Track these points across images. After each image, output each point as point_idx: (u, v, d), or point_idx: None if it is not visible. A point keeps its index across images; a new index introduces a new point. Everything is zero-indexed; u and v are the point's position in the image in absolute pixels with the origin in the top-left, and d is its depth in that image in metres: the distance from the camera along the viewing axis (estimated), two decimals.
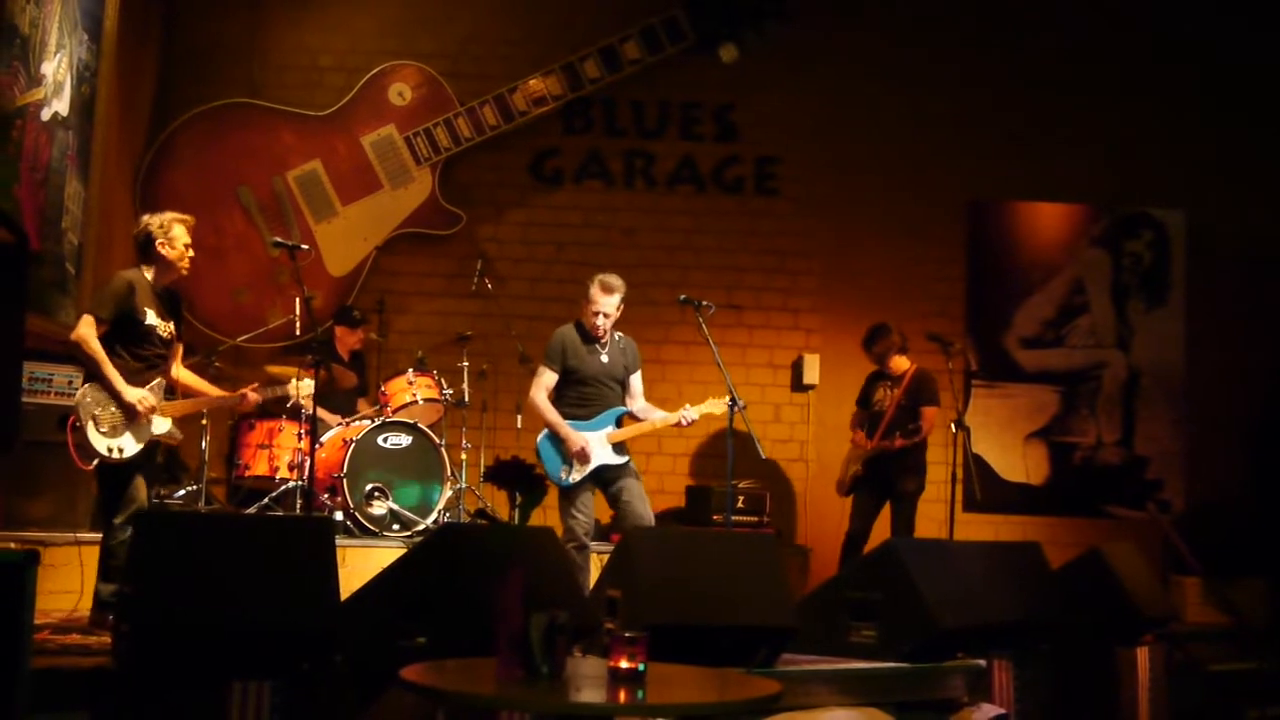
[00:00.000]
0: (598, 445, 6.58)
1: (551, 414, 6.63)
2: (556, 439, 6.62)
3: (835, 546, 8.30)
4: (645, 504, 6.65)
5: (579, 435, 6.56)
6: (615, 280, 6.66)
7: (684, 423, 6.73)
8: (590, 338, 6.68)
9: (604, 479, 6.63)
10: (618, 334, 6.78)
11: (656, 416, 6.77)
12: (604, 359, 6.69)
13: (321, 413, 7.40)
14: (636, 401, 6.82)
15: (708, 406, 6.74)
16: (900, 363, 8.25)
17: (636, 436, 6.78)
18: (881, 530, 8.08)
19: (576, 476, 6.57)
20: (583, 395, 6.66)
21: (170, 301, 5.91)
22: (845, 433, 8.47)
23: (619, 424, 6.69)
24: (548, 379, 6.68)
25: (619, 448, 6.64)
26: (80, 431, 5.53)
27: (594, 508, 6.68)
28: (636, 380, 6.85)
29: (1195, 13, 9.66)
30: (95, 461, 5.58)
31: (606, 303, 6.62)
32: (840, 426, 8.64)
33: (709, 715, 3.66)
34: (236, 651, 4.02)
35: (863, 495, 8.19)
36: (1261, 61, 9.64)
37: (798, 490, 9.34)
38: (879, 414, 8.20)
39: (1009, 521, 9.40)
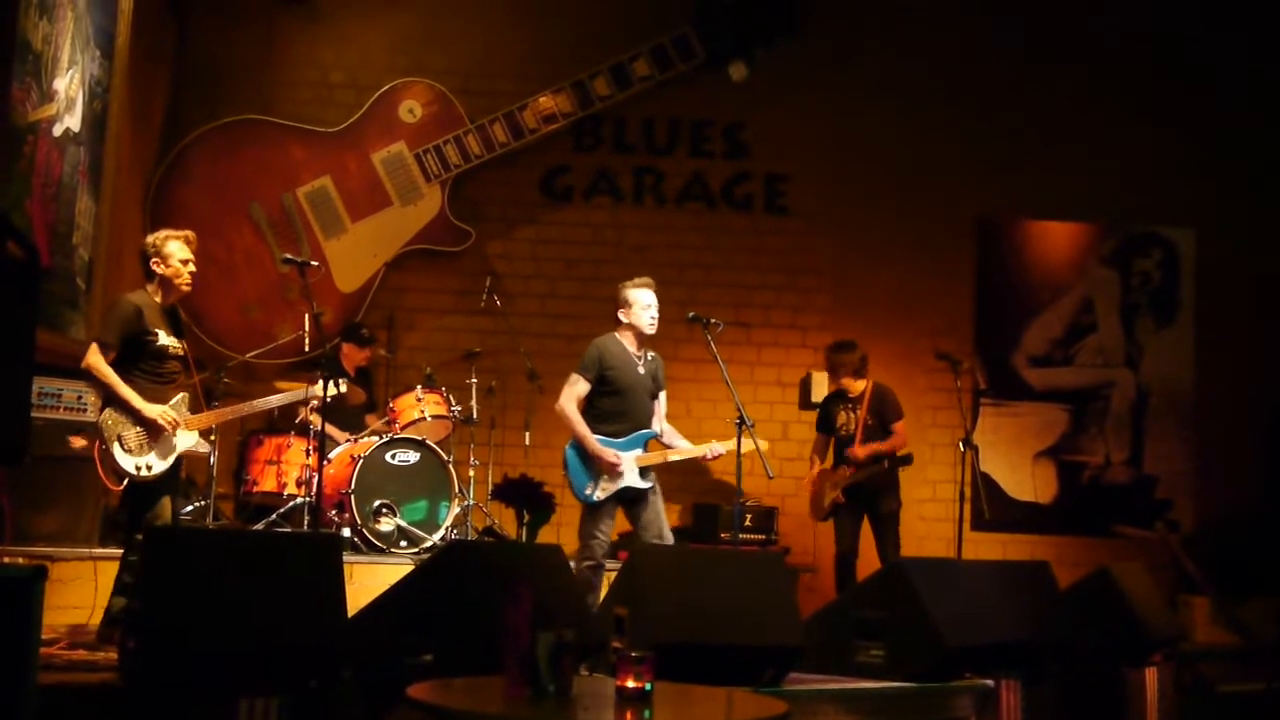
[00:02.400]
0: (627, 465, 6.50)
1: (581, 426, 6.52)
2: (584, 453, 6.54)
3: None
4: (665, 523, 6.60)
5: (609, 451, 6.48)
6: (649, 279, 6.70)
7: (709, 456, 6.67)
8: (628, 350, 6.62)
9: (628, 498, 6.56)
10: (650, 353, 6.74)
11: (682, 445, 6.70)
12: (640, 370, 6.63)
13: (329, 429, 7.41)
14: (660, 423, 6.76)
15: (739, 444, 6.55)
16: (855, 385, 8.17)
17: (663, 464, 6.67)
18: (868, 549, 8.05)
19: (601, 495, 6.48)
20: (618, 407, 6.57)
21: (177, 320, 5.94)
22: None
23: (646, 448, 6.60)
24: (580, 388, 6.57)
25: (645, 472, 6.55)
26: (107, 453, 5.56)
27: (614, 527, 6.64)
28: (662, 399, 6.80)
29: (1204, 32, 9.67)
30: (125, 481, 5.61)
31: (654, 298, 6.63)
32: None
33: None
34: (244, 668, 4.02)
35: (843, 517, 8.13)
36: (1271, 82, 9.64)
37: (806, 509, 9.31)
38: (847, 439, 8.15)
39: (1017, 540, 9.38)
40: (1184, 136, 9.70)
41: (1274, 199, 9.58)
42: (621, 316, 6.67)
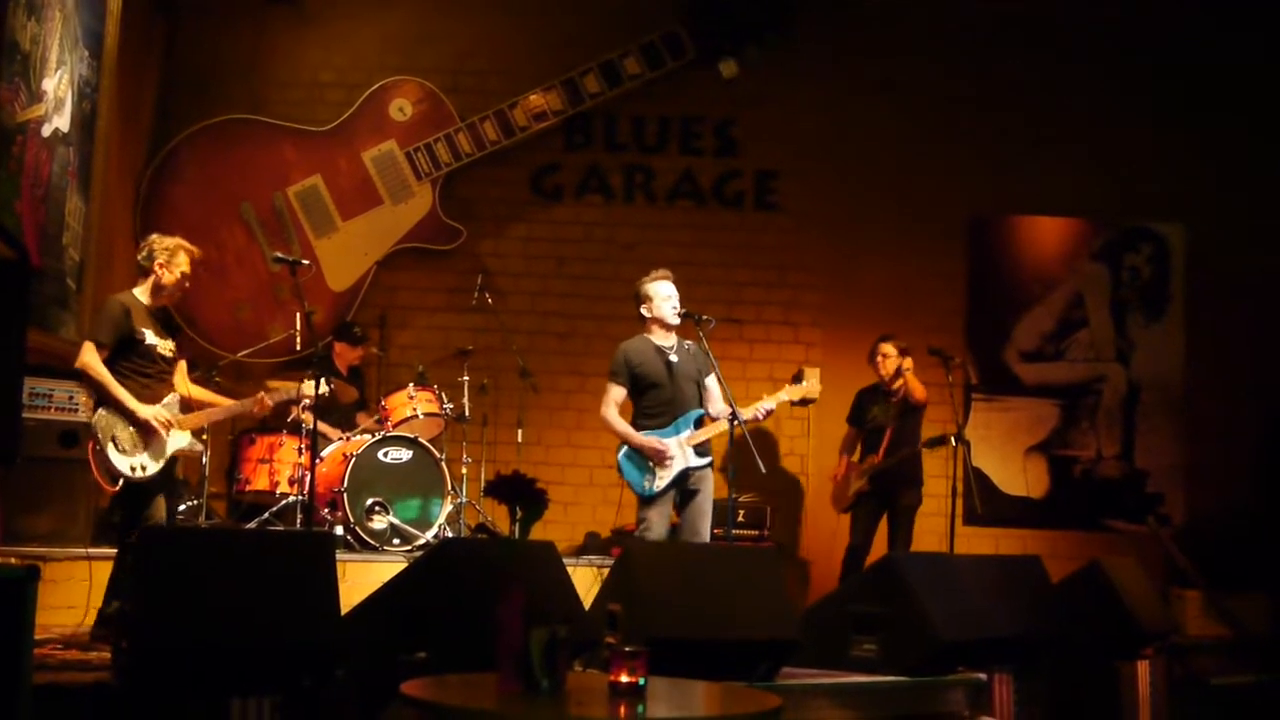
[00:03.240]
0: (677, 449, 6.48)
1: (620, 425, 6.58)
2: (634, 449, 6.54)
3: (835, 560, 8.31)
4: (706, 521, 6.55)
5: (652, 438, 6.48)
6: (665, 270, 6.72)
7: (760, 416, 6.58)
8: (655, 344, 6.62)
9: (684, 485, 6.53)
10: (686, 341, 6.73)
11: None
12: (674, 358, 6.61)
13: (322, 427, 7.40)
14: (716, 405, 6.69)
15: (784, 394, 6.65)
16: (895, 381, 8.23)
17: (717, 436, 6.59)
18: (880, 544, 8.08)
19: (660, 484, 6.46)
20: (659, 400, 6.56)
21: (166, 320, 5.94)
22: None
23: (698, 425, 6.57)
24: (615, 394, 6.61)
25: (700, 449, 6.54)
26: (101, 454, 5.56)
27: (668, 518, 6.57)
28: (713, 382, 6.74)
29: (1195, 28, 9.66)
30: (120, 482, 5.60)
31: (673, 289, 6.63)
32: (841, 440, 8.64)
33: None
34: (237, 667, 4.02)
35: (863, 509, 8.19)
36: (1261, 77, 9.64)
37: (798, 504, 9.33)
38: (877, 431, 8.19)
39: (1009, 535, 9.38)
40: (1173, 131, 9.68)
41: (1262, 193, 9.59)
42: (644, 312, 6.68)
